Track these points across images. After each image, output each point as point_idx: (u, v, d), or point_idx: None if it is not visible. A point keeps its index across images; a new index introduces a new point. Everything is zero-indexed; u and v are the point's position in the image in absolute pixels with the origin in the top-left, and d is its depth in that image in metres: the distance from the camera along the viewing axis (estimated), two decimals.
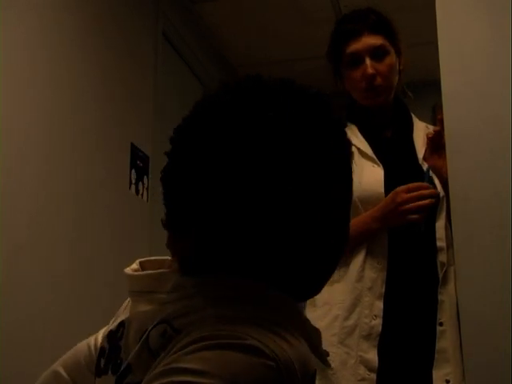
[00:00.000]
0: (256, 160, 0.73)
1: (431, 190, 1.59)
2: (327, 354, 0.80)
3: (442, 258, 1.59)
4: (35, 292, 1.78)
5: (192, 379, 0.60)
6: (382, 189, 1.61)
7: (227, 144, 0.74)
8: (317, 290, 0.83)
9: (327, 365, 0.81)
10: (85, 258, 2.04)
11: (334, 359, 1.54)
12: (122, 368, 0.74)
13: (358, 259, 1.60)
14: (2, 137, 1.69)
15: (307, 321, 0.78)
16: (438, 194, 1.60)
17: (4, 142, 1.70)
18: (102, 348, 0.82)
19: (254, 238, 0.73)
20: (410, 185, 1.58)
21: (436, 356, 1.53)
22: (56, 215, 1.91)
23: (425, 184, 1.59)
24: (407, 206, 1.55)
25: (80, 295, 1.99)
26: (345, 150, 0.82)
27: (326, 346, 1.60)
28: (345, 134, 0.82)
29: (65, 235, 1.95)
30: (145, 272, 0.83)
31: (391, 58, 1.70)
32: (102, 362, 0.81)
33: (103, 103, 2.24)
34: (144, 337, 0.72)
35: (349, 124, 1.78)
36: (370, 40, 1.68)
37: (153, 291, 0.79)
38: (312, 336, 0.77)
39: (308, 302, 1.67)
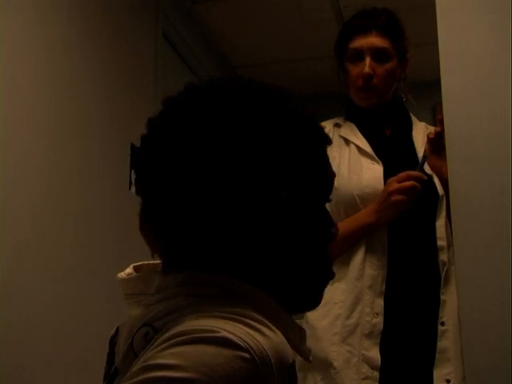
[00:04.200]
0: (231, 159, 0.74)
1: (418, 174, 1.58)
2: (309, 351, 0.82)
3: (442, 256, 1.59)
4: (38, 290, 1.78)
5: (166, 374, 0.61)
6: (381, 186, 1.61)
7: (208, 141, 0.75)
8: (308, 295, 0.85)
9: (308, 361, 0.83)
10: (86, 258, 2.04)
11: (336, 358, 1.54)
12: (111, 372, 0.76)
13: (358, 257, 1.60)
14: (3, 135, 1.69)
15: (290, 318, 0.79)
16: (426, 178, 1.59)
17: (5, 141, 1.70)
18: (107, 354, 0.84)
19: (232, 234, 0.75)
20: (400, 174, 1.58)
21: (437, 355, 1.53)
22: (57, 215, 1.91)
23: (413, 172, 1.59)
24: (400, 197, 1.56)
25: (82, 295, 1.99)
26: (320, 149, 0.82)
27: (328, 345, 1.62)
28: (311, 122, 0.82)
29: (66, 235, 1.95)
30: (131, 275, 0.85)
31: (392, 64, 1.70)
32: (106, 367, 0.83)
33: (103, 103, 2.24)
34: (129, 340, 0.74)
35: (348, 122, 1.79)
36: (376, 40, 1.68)
37: (139, 293, 0.81)
38: (294, 333, 0.78)
39: None
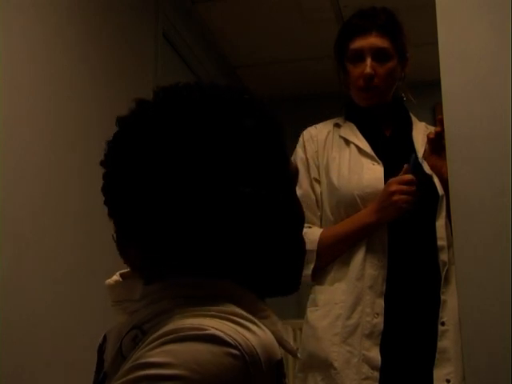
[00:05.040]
0: (191, 162, 0.75)
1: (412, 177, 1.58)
2: (297, 349, 0.82)
3: (443, 256, 1.59)
4: (38, 290, 1.78)
5: (156, 372, 0.62)
6: (382, 186, 1.61)
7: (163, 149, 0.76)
8: (288, 283, 0.85)
9: (294, 355, 0.83)
10: (86, 258, 2.04)
11: (337, 358, 1.54)
12: (100, 377, 0.77)
13: (358, 257, 1.60)
14: (3, 135, 1.69)
15: (273, 316, 0.80)
16: (414, 180, 1.58)
17: (5, 141, 1.70)
18: (96, 363, 0.84)
19: (205, 236, 0.76)
20: (404, 176, 1.58)
21: (437, 355, 1.54)
22: (57, 215, 1.91)
23: (408, 176, 1.58)
24: (403, 197, 1.56)
25: (82, 295, 1.99)
26: (275, 137, 0.83)
27: (328, 345, 1.62)
28: (257, 106, 0.83)
29: (66, 235, 1.95)
30: (115, 282, 0.86)
31: (392, 63, 1.70)
32: (95, 376, 0.83)
33: (103, 103, 2.24)
34: (118, 345, 0.75)
35: (348, 122, 1.79)
36: (376, 41, 1.69)
37: (124, 300, 0.82)
38: (279, 330, 0.79)
39: (309, 302, 1.68)
